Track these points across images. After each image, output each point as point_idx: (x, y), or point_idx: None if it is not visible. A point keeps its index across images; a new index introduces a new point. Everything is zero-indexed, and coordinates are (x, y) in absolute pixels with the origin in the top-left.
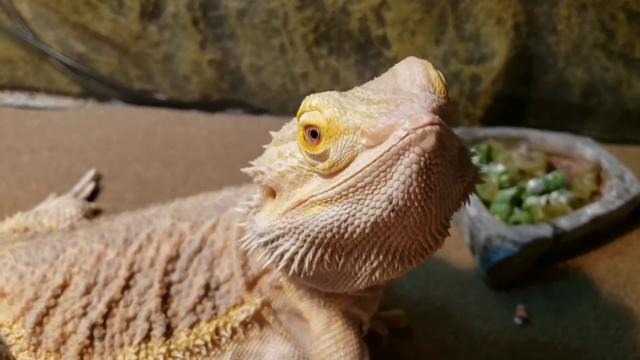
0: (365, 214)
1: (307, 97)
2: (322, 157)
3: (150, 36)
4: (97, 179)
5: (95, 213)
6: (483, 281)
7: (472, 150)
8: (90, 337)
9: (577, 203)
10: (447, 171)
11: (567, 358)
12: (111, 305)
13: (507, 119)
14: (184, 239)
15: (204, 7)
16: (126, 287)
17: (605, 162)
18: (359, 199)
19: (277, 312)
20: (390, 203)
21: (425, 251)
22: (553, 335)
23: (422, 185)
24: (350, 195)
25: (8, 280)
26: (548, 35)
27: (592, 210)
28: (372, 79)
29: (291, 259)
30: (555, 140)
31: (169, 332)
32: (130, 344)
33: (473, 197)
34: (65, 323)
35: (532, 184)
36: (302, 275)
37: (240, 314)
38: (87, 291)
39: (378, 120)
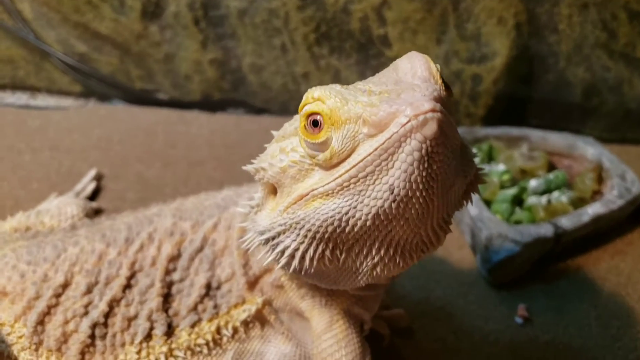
0: (367, 205)
1: (309, 89)
2: (323, 146)
3: (152, 36)
4: (98, 178)
5: (96, 212)
6: (484, 281)
7: (474, 151)
8: (92, 336)
9: (579, 202)
10: (449, 161)
11: (568, 357)
12: (112, 304)
13: (509, 118)
14: (185, 238)
15: (205, 7)
16: (127, 286)
17: (606, 162)
18: (361, 190)
19: (278, 311)
20: (392, 193)
21: (427, 246)
22: (554, 335)
23: (424, 174)
24: (351, 186)
25: (10, 279)
26: (549, 35)
27: (593, 209)
28: None
29: (292, 256)
30: (556, 139)
31: (170, 331)
32: (132, 343)
33: (474, 197)
34: (66, 322)
35: (533, 183)
36: (303, 273)
37: (241, 313)
38: (89, 290)
39: (380, 108)
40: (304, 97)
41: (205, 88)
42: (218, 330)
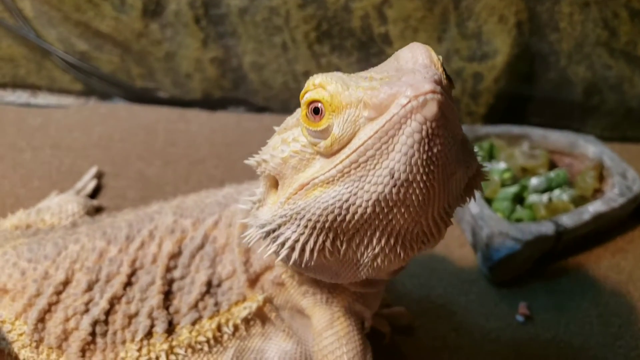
0: (367, 191)
1: (311, 77)
2: (325, 133)
3: (152, 34)
4: (99, 176)
5: (97, 210)
6: (485, 279)
7: (476, 149)
8: (93, 334)
9: (580, 201)
10: (449, 145)
11: (569, 355)
12: (113, 301)
13: (510, 116)
14: (186, 235)
15: (205, 5)
16: (128, 284)
17: (607, 160)
18: (361, 176)
19: (279, 308)
20: (392, 177)
21: (427, 237)
22: (555, 333)
23: (424, 156)
24: (352, 172)
25: (10, 276)
26: (550, 33)
27: (594, 207)
28: None
29: (292, 248)
30: (557, 138)
31: (171, 328)
32: (133, 340)
33: (476, 194)
34: (67, 319)
35: (534, 181)
36: (303, 266)
37: (242, 311)
38: (89, 288)
39: (380, 90)
40: (306, 84)
41: (206, 86)
42: (219, 328)
